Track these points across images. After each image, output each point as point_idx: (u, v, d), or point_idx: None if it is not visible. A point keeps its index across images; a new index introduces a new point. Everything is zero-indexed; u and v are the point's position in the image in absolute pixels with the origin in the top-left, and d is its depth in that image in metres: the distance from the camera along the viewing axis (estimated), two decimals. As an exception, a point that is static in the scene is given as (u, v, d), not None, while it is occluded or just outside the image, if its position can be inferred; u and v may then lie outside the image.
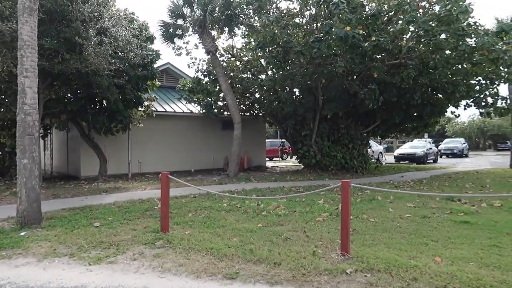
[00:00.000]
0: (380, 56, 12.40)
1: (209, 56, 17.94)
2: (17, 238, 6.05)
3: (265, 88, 14.36)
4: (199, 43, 14.98)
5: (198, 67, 17.73)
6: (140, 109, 14.37)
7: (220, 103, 17.94)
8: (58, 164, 18.36)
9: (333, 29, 10.70)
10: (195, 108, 19.32)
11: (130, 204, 9.17)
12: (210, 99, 16.81)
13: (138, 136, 16.76)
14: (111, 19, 11.08)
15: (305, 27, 13.18)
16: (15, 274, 4.67)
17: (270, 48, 12.62)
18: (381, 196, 9.62)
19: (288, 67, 13.36)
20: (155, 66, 13.81)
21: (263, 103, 17.22)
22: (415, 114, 17.10)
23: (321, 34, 11.21)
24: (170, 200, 9.71)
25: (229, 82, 15.66)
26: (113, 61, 10.47)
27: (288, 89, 14.79)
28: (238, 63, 17.75)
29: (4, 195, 10.58)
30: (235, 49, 17.69)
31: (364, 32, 11.40)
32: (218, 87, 17.11)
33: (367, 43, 11.31)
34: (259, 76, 16.21)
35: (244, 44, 16.96)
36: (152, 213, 8.00)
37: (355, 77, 14.41)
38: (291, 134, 17.41)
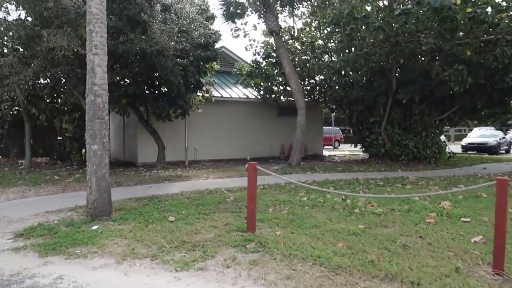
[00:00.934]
0: (472, 30, 10.71)
1: (268, 38, 16.96)
2: (89, 233, 5.42)
3: (333, 70, 13.10)
4: (262, 22, 13.96)
5: (255, 50, 16.75)
6: (199, 93, 13.64)
7: (277, 88, 16.87)
8: (114, 150, 18.21)
9: (425, -1, 9.25)
10: (251, 94, 18.44)
11: (198, 195, 8.44)
12: (269, 84, 15.79)
13: (194, 123, 16.13)
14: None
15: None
16: (94, 279, 3.97)
17: (344, 25, 11.35)
18: (485, 193, 8.23)
19: (362, 46, 12.02)
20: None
21: (326, 88, 15.97)
22: (498, 99, 15.16)
23: (409, 6, 9.77)
24: (239, 191, 8.97)
25: (290, 64, 14.56)
26: (179, 40, 9.70)
27: (359, 72, 13.43)
28: (296, 44, 16.53)
29: (68, 181, 10.24)
30: (294, 30, 16.49)
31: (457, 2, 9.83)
32: (277, 70, 16.05)
33: (459, 15, 9.76)
34: (322, 58, 14.93)
35: (306, 23, 15.70)
36: (226, 207, 7.20)
37: (436, 56, 12.78)
38: (357, 121, 16.06)
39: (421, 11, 9.61)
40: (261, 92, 16.74)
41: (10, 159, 15.81)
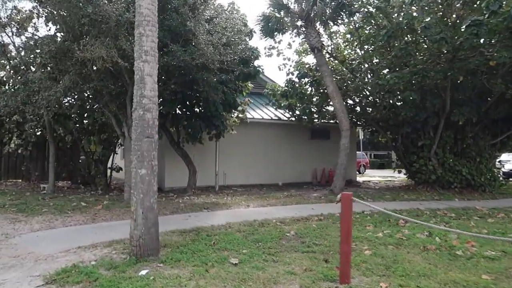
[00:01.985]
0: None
1: (302, 56, 16.09)
2: (139, 280, 4.28)
3: (383, 89, 11.99)
4: (301, 39, 13.09)
5: (289, 69, 15.83)
6: (234, 113, 12.67)
7: (314, 109, 15.82)
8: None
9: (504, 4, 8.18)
10: (283, 115, 17.44)
11: (249, 227, 7.27)
12: (306, 104, 14.75)
13: (222, 145, 15.08)
14: (215, 7, 9.46)
15: (440, 7, 10.61)
16: None
17: (401, 36, 10.32)
18: None
19: (416, 62, 10.92)
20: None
21: (367, 109, 14.86)
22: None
23: (481, 17, 8.71)
24: (294, 224, 7.74)
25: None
26: (224, 52, 8.78)
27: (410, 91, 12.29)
28: (335, 62, 15.53)
29: (97, 209, 9.19)
30: (331, 46, 15.55)
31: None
32: (313, 90, 15.06)
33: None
34: (367, 77, 13.87)
35: (347, 40, 14.76)
36: (292, 245, 6.00)
37: (495, 72, 11.60)
38: (402, 145, 14.79)
39: (494, 22, 8.55)
40: (296, 113, 15.70)
41: (31, 183, 14.92)
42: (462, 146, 13.76)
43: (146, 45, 5.32)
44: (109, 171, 14.06)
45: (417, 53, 11.05)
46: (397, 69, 11.49)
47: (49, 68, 9.24)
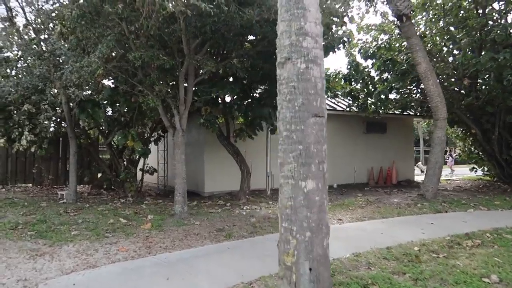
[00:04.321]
0: None
1: (368, 35, 13.45)
2: None
3: (492, 66, 9.31)
4: (385, 4, 10.42)
5: (352, 49, 13.17)
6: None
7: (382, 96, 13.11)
8: (170, 176, 14.58)
9: None
10: (336, 105, 14.82)
11: (399, 263, 4.66)
12: (382, 89, 12.08)
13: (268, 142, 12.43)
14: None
15: None
16: None
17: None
18: None
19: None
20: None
21: (453, 93, 12.11)
22: None
23: None
24: (454, 250, 5.07)
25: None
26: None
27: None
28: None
29: (146, 229, 6.58)
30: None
31: None
32: (387, 73, 12.38)
33: None
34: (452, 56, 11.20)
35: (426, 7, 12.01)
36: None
37: None
38: (500, 138, 11.97)
39: None
40: (359, 101, 13.05)
41: (44, 189, 12.35)
42: None
43: None
44: (139, 173, 11.50)
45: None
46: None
47: (75, 36, 6.60)
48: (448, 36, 11.39)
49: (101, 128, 10.08)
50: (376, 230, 6.67)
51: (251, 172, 10.74)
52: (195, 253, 5.36)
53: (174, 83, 7.87)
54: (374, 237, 6.12)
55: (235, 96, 8.89)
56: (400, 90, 12.70)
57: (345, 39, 8.26)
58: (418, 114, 15.75)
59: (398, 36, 12.03)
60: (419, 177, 19.95)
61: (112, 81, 8.37)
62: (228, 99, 10.35)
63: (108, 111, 9.68)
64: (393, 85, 12.04)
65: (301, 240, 2.46)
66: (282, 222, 2.56)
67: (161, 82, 6.83)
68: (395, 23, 11.06)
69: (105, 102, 8.77)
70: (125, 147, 10.41)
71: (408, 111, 14.68)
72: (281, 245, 2.57)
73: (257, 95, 9.68)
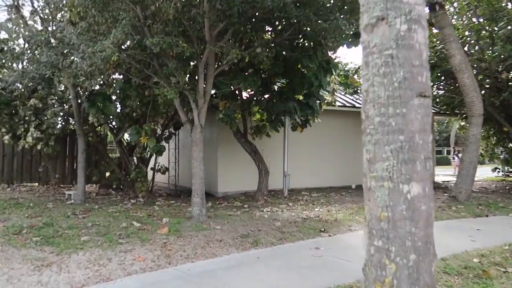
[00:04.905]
0: None
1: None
2: None
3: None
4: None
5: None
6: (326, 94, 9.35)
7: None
8: (181, 175, 13.91)
9: None
10: (354, 102, 14.11)
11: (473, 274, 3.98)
12: None
13: (282, 140, 11.73)
14: None
15: None
16: None
17: None
18: None
19: None
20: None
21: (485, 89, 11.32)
22: None
23: None
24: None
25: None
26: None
27: None
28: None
29: (162, 234, 5.93)
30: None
31: None
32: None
33: None
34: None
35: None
36: None
37: None
38: None
39: None
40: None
41: (51, 188, 11.76)
42: None
43: None
44: (150, 173, 10.87)
45: None
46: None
47: (86, 21, 5.95)
48: (480, 28, 10.63)
49: (111, 124, 9.43)
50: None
51: (269, 171, 10.09)
52: (221, 263, 4.71)
53: (190, 74, 7.21)
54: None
55: (255, 90, 8.20)
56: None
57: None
58: (442, 112, 15.02)
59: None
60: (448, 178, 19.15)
61: (123, 74, 7.71)
62: (244, 94, 9.74)
63: (118, 106, 9.03)
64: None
65: (402, 264, 1.79)
66: (373, 240, 1.89)
67: (179, 72, 6.16)
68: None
69: (116, 96, 8.12)
70: (135, 145, 9.80)
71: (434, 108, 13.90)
72: (370, 271, 1.90)
73: (277, 89, 9.01)
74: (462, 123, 17.30)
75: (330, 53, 8.33)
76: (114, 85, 7.69)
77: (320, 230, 6.38)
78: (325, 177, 13.33)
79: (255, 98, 8.53)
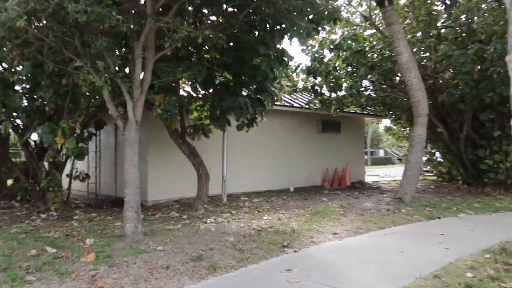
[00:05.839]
0: None
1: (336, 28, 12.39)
2: None
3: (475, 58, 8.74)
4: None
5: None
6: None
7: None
8: (103, 182, 12.06)
9: None
10: (294, 102, 13.64)
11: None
12: (355, 82, 11.02)
13: (219, 142, 10.76)
14: None
15: None
16: None
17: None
18: None
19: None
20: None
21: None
22: None
23: None
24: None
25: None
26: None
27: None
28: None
29: (87, 262, 4.55)
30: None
31: None
32: (354, 66, 11.38)
33: None
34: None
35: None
36: None
37: None
38: (466, 138, 11.55)
39: None
40: (323, 98, 11.97)
41: None
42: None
43: None
44: (65, 180, 9.12)
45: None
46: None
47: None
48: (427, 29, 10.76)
49: (15, 121, 7.52)
50: (390, 247, 5.43)
51: (209, 176, 8.99)
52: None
53: (124, 59, 5.86)
54: (397, 258, 4.86)
55: (200, 82, 7.08)
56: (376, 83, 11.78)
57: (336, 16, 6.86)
58: (371, 113, 15.27)
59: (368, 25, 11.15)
60: (368, 178, 19.64)
61: (32, 55, 5.99)
62: (182, 88, 8.56)
63: (24, 98, 7.20)
64: (369, 77, 11.10)
65: None
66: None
67: (111, 54, 4.83)
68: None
69: (22, 84, 6.37)
70: (47, 147, 8.01)
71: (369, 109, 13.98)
72: None
73: (222, 82, 7.97)
74: (389, 125, 17.91)
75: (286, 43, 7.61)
76: (20, 69, 5.97)
77: (282, 245, 5.50)
78: (262, 180, 12.62)
79: (199, 92, 7.38)
